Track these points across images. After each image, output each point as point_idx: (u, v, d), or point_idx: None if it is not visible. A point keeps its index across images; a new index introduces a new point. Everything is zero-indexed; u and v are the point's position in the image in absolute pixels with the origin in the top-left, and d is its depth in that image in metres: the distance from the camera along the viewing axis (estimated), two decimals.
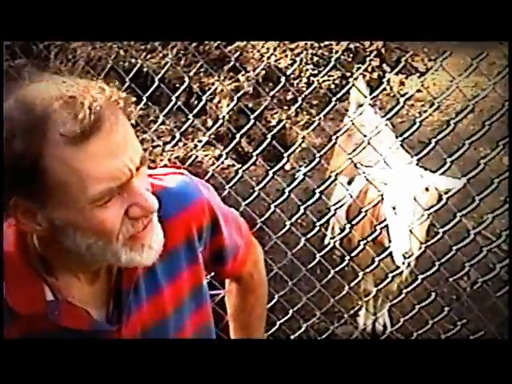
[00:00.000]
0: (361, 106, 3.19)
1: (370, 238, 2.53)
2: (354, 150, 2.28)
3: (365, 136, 2.22)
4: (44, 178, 0.95)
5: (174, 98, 2.40)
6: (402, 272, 2.69)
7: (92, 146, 0.94)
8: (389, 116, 2.51)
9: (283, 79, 2.34)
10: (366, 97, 2.99)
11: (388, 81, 4.94)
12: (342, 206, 2.46)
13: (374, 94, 2.42)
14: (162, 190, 1.22)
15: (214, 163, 3.94)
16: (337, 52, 4.02)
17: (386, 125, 3.03)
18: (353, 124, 2.41)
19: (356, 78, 3.24)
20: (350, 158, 2.22)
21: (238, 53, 3.75)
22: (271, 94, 2.49)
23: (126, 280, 1.16)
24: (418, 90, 4.90)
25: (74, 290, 1.13)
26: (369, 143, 2.21)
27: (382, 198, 2.53)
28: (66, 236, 1.02)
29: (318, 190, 2.42)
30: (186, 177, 1.31)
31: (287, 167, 4.16)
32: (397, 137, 2.53)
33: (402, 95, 4.72)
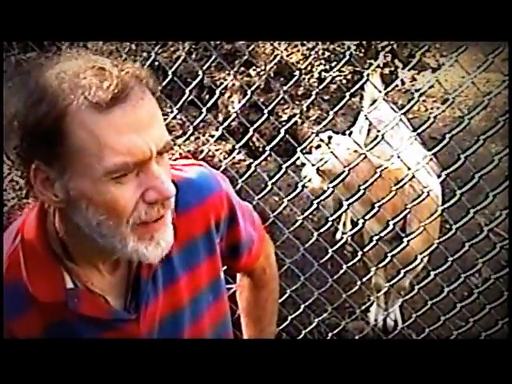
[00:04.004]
0: (375, 101, 3.19)
1: (383, 234, 2.52)
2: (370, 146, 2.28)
3: (379, 131, 2.22)
4: (64, 141, 0.96)
5: (187, 92, 2.39)
6: (414, 268, 2.69)
7: (115, 116, 0.96)
8: (403, 111, 2.50)
9: (297, 73, 2.33)
10: (380, 92, 2.98)
11: (398, 76, 4.93)
12: (355, 200, 2.45)
13: (388, 89, 2.41)
14: (182, 180, 1.23)
15: (225, 158, 3.94)
16: (349, 47, 4.00)
17: (401, 120, 3.03)
18: (367, 119, 2.40)
19: (371, 74, 3.22)
20: (363, 153, 2.22)
21: (250, 48, 3.75)
22: (284, 88, 2.48)
23: (145, 269, 1.16)
24: (431, 86, 4.87)
25: (93, 277, 1.13)
26: (383, 138, 2.20)
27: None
28: (78, 210, 1.02)
29: (330, 185, 2.42)
30: (206, 169, 1.32)
31: (298, 162, 4.15)
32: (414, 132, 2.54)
33: (417, 90, 4.69)
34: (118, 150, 0.96)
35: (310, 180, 2.83)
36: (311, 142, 2.68)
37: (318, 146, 2.80)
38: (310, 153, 2.82)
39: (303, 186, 2.51)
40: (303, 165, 2.94)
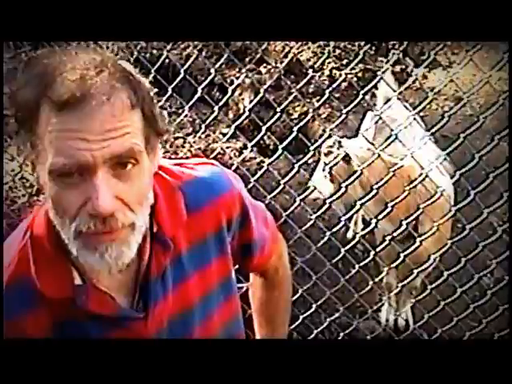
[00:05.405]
0: (388, 100, 3.17)
1: (396, 234, 2.51)
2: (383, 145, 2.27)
3: (392, 130, 2.20)
4: (33, 129, 0.99)
5: (199, 90, 2.38)
6: (426, 268, 2.68)
7: (64, 119, 0.96)
8: (417, 110, 2.49)
9: (310, 71, 2.32)
10: (394, 91, 2.96)
11: (412, 74, 4.91)
12: (369, 199, 2.44)
13: (402, 88, 2.39)
14: (194, 178, 1.24)
15: (235, 155, 3.93)
16: (360, 46, 3.98)
17: (414, 119, 3.01)
18: (380, 118, 2.39)
19: (384, 72, 3.20)
20: (377, 153, 2.20)
21: (263, 46, 3.73)
22: (298, 87, 2.47)
23: (155, 268, 1.15)
24: (445, 85, 4.85)
25: (100, 274, 1.11)
26: (396, 137, 2.19)
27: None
28: (46, 198, 1.04)
29: (343, 185, 2.41)
30: (218, 167, 1.32)
31: (309, 160, 4.13)
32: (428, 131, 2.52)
33: (431, 89, 4.66)
34: (59, 151, 0.96)
35: (320, 192, 2.79)
36: (323, 141, 2.66)
37: (329, 153, 2.79)
38: (318, 160, 2.81)
39: (314, 199, 2.50)
40: (316, 163, 2.94)
